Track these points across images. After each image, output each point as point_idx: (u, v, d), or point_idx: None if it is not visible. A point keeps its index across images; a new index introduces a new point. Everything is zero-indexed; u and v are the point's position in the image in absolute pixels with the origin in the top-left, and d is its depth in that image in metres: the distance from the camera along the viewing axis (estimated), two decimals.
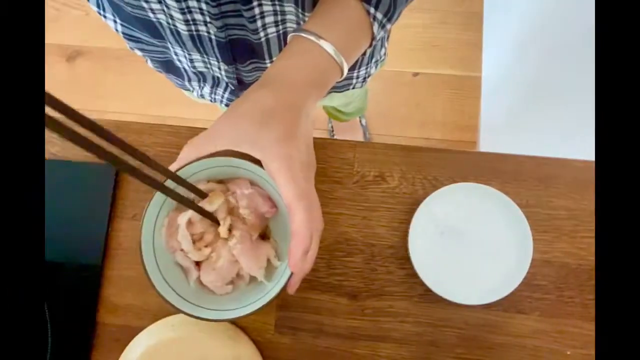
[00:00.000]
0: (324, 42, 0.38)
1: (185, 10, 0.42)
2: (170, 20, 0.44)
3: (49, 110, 0.25)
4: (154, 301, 0.46)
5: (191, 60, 0.52)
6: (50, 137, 0.51)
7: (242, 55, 0.50)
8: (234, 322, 0.46)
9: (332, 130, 1.41)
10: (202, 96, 0.64)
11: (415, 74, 1.47)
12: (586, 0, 0.76)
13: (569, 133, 0.81)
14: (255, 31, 0.45)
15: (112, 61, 1.54)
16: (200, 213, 0.37)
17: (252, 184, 0.40)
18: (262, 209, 0.39)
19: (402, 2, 0.42)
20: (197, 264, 0.39)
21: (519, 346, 0.44)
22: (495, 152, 0.48)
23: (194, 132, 0.51)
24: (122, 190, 0.49)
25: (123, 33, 0.52)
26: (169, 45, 0.51)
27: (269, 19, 0.45)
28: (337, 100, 0.81)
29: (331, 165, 0.49)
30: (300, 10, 0.45)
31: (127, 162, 0.31)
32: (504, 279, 0.43)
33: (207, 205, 0.38)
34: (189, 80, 0.60)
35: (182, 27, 0.45)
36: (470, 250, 0.44)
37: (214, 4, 0.40)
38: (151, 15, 0.44)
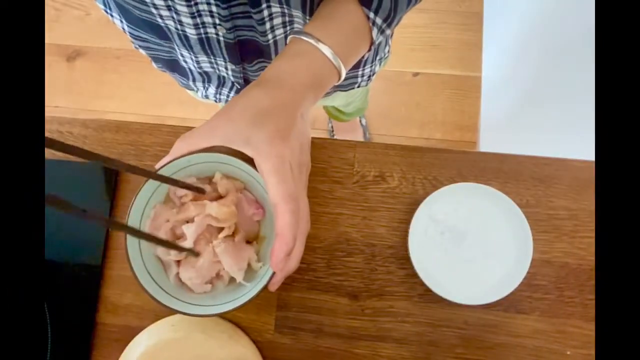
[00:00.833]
0: (322, 46, 0.38)
1: (195, 14, 0.42)
2: (179, 26, 0.44)
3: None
4: None
5: (197, 62, 0.53)
6: (50, 136, 0.51)
7: (250, 55, 0.50)
8: (234, 322, 0.46)
9: (332, 130, 1.41)
10: (206, 97, 0.64)
11: (415, 74, 1.47)
12: (586, 0, 0.76)
13: (569, 133, 0.81)
14: (264, 33, 0.46)
15: (112, 61, 1.54)
16: (187, 188, 0.38)
17: (238, 190, 0.40)
18: (248, 213, 0.40)
19: (402, 8, 0.42)
20: (178, 260, 0.40)
21: (519, 346, 0.44)
22: (495, 152, 0.48)
23: None
24: (122, 190, 0.49)
25: (130, 33, 0.52)
26: (176, 47, 0.51)
27: (277, 21, 0.45)
28: (338, 100, 0.81)
29: (331, 165, 0.49)
30: (307, 16, 0.45)
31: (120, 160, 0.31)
32: (504, 279, 0.43)
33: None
34: (194, 80, 0.60)
35: (190, 32, 0.45)
36: (470, 250, 0.44)
37: (224, 6, 0.41)
38: (159, 20, 0.44)
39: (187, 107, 1.47)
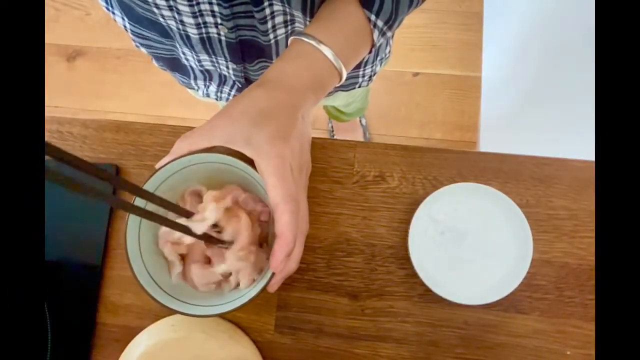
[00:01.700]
0: (323, 47, 0.38)
1: (197, 13, 0.42)
2: (180, 26, 0.44)
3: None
4: None
5: (199, 60, 0.53)
6: (50, 136, 0.51)
7: (251, 55, 0.50)
8: (234, 322, 0.46)
9: (332, 130, 1.41)
10: (207, 95, 0.64)
11: (415, 74, 1.47)
12: (586, 0, 0.76)
13: (569, 133, 0.81)
14: (266, 32, 0.46)
15: (112, 61, 1.54)
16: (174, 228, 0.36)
17: (244, 189, 0.40)
18: (257, 209, 0.39)
19: (404, 10, 0.42)
20: (182, 257, 0.39)
21: (519, 346, 0.44)
22: (495, 152, 0.48)
23: None
24: (122, 190, 0.49)
25: (132, 30, 0.52)
26: (178, 46, 0.51)
27: (279, 20, 0.45)
28: (338, 100, 0.81)
29: (331, 165, 0.49)
30: (308, 18, 0.45)
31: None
32: (504, 279, 0.43)
33: (197, 223, 0.37)
34: (195, 78, 0.60)
35: (192, 32, 0.45)
36: (470, 250, 0.44)
37: (226, 5, 0.41)
38: (161, 20, 0.44)
39: (187, 107, 1.47)
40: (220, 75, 0.57)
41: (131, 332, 0.45)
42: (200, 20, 0.43)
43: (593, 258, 0.45)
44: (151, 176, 0.38)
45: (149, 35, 0.51)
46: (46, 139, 0.51)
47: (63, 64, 1.55)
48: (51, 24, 1.57)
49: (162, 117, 1.48)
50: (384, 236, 0.47)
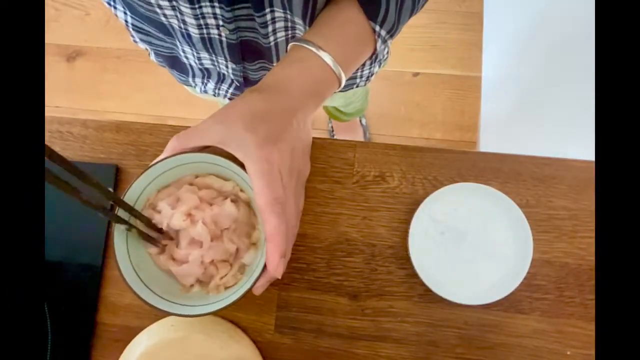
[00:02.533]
0: (323, 53, 0.38)
1: (199, 15, 0.42)
2: (182, 25, 0.44)
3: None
4: None
5: (199, 58, 0.53)
6: (50, 136, 0.51)
7: (251, 56, 0.51)
8: (234, 322, 0.46)
9: (332, 130, 1.41)
10: (205, 92, 0.64)
11: (415, 74, 1.47)
12: (586, 0, 0.76)
13: (569, 133, 0.81)
14: (266, 35, 0.46)
15: (112, 61, 1.54)
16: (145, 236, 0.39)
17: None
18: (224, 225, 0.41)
19: (405, 19, 0.42)
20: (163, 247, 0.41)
21: (519, 346, 0.44)
22: (495, 152, 0.48)
23: None
24: (122, 190, 0.49)
25: (133, 25, 0.52)
26: (178, 44, 0.51)
27: (280, 25, 0.45)
28: (337, 100, 0.81)
29: (331, 165, 0.49)
30: (307, 25, 0.45)
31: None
32: (504, 279, 0.43)
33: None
34: (193, 76, 0.61)
35: (193, 31, 0.45)
36: (470, 250, 0.44)
37: (228, 8, 0.41)
38: (163, 19, 0.44)
39: (187, 107, 1.47)
40: (219, 73, 0.57)
41: (131, 332, 0.45)
42: (202, 21, 0.43)
43: (593, 258, 0.45)
44: (141, 174, 0.38)
45: (150, 30, 0.51)
46: (46, 139, 0.51)
47: (63, 64, 1.55)
48: (51, 24, 1.57)
49: (162, 117, 1.48)
50: (384, 236, 0.47)
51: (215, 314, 0.38)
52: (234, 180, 0.41)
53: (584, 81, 0.72)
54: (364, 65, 0.61)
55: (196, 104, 0.77)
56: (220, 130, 0.36)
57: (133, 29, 0.53)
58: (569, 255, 0.45)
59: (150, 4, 0.42)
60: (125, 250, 0.38)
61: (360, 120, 1.40)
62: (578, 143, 0.75)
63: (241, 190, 0.41)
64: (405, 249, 0.46)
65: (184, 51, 0.53)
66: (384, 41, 0.42)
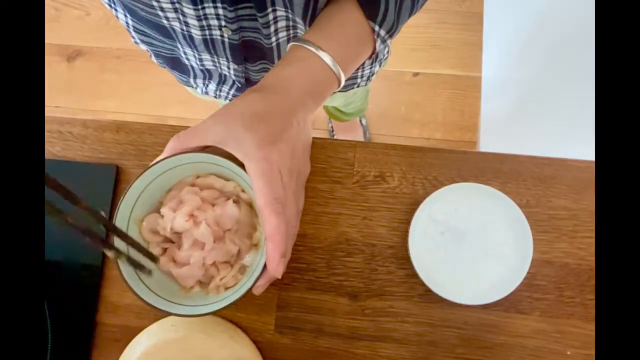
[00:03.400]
0: (322, 53, 0.38)
1: (202, 16, 0.42)
2: (184, 27, 0.44)
3: None
4: None
5: (200, 59, 0.53)
6: (50, 136, 0.51)
7: (253, 56, 0.51)
8: (234, 322, 0.46)
9: (332, 130, 1.41)
10: (206, 93, 0.64)
11: (415, 74, 1.47)
12: (586, 0, 0.76)
13: (569, 133, 0.81)
14: (268, 36, 0.46)
15: (112, 61, 1.54)
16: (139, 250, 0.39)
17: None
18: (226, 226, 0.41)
19: (404, 19, 0.43)
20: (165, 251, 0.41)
21: (519, 346, 0.44)
22: (495, 152, 0.48)
23: None
24: (122, 190, 0.49)
25: (134, 27, 0.52)
26: (179, 46, 0.51)
27: (282, 24, 0.45)
28: (338, 100, 0.81)
29: (331, 165, 0.49)
30: (308, 25, 0.45)
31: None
32: (504, 279, 0.43)
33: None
34: (195, 77, 0.61)
35: (196, 33, 0.45)
36: (470, 250, 0.44)
37: (231, 8, 0.41)
38: (165, 22, 0.44)
39: (188, 107, 1.47)
40: (220, 74, 0.57)
41: (131, 332, 0.45)
42: (204, 22, 0.43)
43: (593, 258, 0.45)
44: (141, 174, 0.38)
45: (151, 33, 0.51)
46: (46, 139, 0.51)
47: (63, 64, 1.55)
48: (51, 24, 1.57)
49: (162, 117, 1.48)
50: (384, 236, 0.47)
51: (215, 314, 0.38)
52: (234, 180, 0.41)
53: (584, 81, 0.72)
54: (364, 65, 0.61)
55: (196, 104, 0.77)
56: (220, 130, 0.36)
57: (134, 31, 0.53)
58: (569, 255, 0.45)
59: (152, 7, 0.42)
60: (125, 250, 0.38)
61: (360, 120, 1.40)
62: (578, 143, 0.75)
63: (242, 191, 0.41)
64: (405, 249, 0.46)
65: (185, 53, 0.53)
66: (383, 41, 0.42)
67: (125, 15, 0.51)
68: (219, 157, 0.37)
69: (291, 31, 0.47)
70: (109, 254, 0.35)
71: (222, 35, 0.45)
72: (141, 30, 0.52)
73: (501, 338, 0.44)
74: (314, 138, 0.46)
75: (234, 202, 0.40)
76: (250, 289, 0.36)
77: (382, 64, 0.67)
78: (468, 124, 1.42)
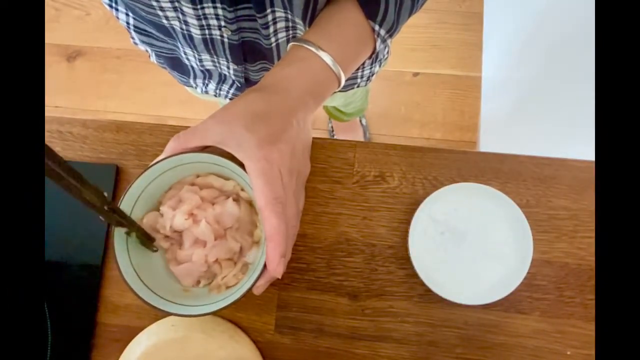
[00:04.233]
0: (322, 53, 0.38)
1: (201, 16, 0.42)
2: (184, 26, 0.44)
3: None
4: None
5: (200, 60, 0.53)
6: (50, 136, 0.51)
7: (253, 56, 0.51)
8: (234, 322, 0.46)
9: (332, 130, 1.41)
10: (206, 92, 0.64)
11: (415, 74, 1.47)
12: (586, 0, 0.76)
13: (569, 133, 0.81)
14: (267, 36, 0.46)
15: (112, 61, 1.54)
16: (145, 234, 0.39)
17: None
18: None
19: (404, 18, 0.43)
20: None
21: (519, 346, 0.44)
22: (495, 152, 0.48)
23: None
24: (122, 190, 0.49)
25: (134, 26, 0.52)
26: (179, 45, 0.51)
27: (281, 25, 0.45)
28: (337, 100, 0.81)
29: (331, 165, 0.49)
30: (307, 26, 0.45)
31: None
32: (504, 279, 0.43)
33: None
34: (195, 77, 0.61)
35: (195, 32, 0.45)
36: (470, 250, 0.44)
37: (230, 9, 0.41)
38: (165, 21, 0.44)
39: (188, 107, 1.46)
40: (220, 74, 0.57)
41: (131, 332, 0.45)
42: (204, 22, 0.43)
43: (593, 258, 0.45)
44: (141, 174, 0.38)
45: (152, 32, 0.51)
46: (46, 139, 0.51)
47: (63, 64, 1.55)
48: (51, 24, 1.57)
49: (162, 117, 1.48)
50: (384, 236, 0.47)
51: (215, 314, 0.38)
52: (234, 179, 0.41)
53: (584, 81, 0.72)
54: (364, 65, 0.61)
55: (196, 104, 0.77)
56: (220, 131, 0.36)
57: (134, 31, 0.53)
58: (569, 255, 0.45)
59: (151, 6, 0.42)
60: (125, 250, 0.38)
61: (360, 120, 1.40)
62: (578, 143, 0.75)
63: (242, 190, 0.41)
64: (405, 249, 0.46)
65: (185, 53, 0.53)
66: (384, 40, 0.42)
67: (127, 15, 0.51)
68: (218, 156, 0.37)
69: (290, 32, 0.47)
70: (120, 229, 0.35)
71: (221, 36, 0.45)
72: (142, 30, 0.52)
73: (501, 338, 0.44)
74: (314, 138, 0.46)
75: (234, 200, 0.40)
76: (250, 288, 0.36)
77: (382, 64, 0.67)
78: (468, 124, 1.42)
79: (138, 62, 1.53)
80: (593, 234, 0.46)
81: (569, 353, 0.44)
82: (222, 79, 0.59)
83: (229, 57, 0.50)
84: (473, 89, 1.43)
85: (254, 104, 0.36)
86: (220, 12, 0.41)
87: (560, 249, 0.46)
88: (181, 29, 0.45)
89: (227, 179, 0.41)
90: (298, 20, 0.45)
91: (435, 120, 1.43)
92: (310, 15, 0.44)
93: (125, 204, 0.38)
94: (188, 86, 0.66)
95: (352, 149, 0.49)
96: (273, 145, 0.35)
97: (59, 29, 1.57)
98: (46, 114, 0.46)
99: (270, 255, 0.34)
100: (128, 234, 0.38)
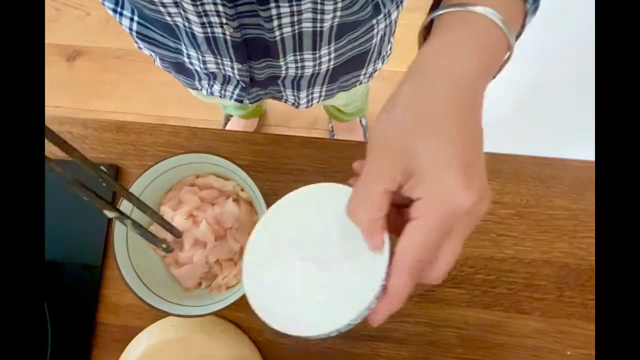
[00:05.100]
0: (487, 10, 0.28)
1: (202, 13, 0.42)
2: (186, 23, 0.44)
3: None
4: None
5: (204, 62, 0.53)
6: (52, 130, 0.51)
7: (257, 53, 0.50)
8: (234, 322, 0.46)
9: (332, 131, 1.41)
10: (211, 93, 0.64)
11: None
12: (586, 0, 0.76)
13: (569, 133, 0.81)
14: (271, 30, 0.45)
15: (112, 61, 1.54)
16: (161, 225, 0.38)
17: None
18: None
19: None
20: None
21: (519, 346, 0.44)
22: (495, 152, 0.48)
23: (194, 132, 0.51)
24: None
25: (137, 32, 0.52)
26: (183, 47, 0.51)
27: (285, 20, 0.45)
28: (338, 99, 0.81)
29: (331, 165, 0.49)
30: (318, 15, 0.44)
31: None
32: (363, 284, 0.29)
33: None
34: (199, 80, 0.60)
35: (198, 30, 0.45)
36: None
37: (230, 5, 0.40)
38: (168, 18, 0.44)
39: (188, 107, 1.46)
40: (224, 75, 0.57)
41: (131, 332, 0.45)
42: (205, 19, 0.43)
43: (593, 258, 0.45)
44: (142, 174, 0.38)
45: (155, 36, 0.51)
46: (46, 139, 0.51)
47: (63, 64, 1.55)
48: (51, 24, 1.57)
49: (162, 117, 1.48)
50: None
51: (215, 314, 0.38)
52: (234, 179, 0.41)
53: (584, 81, 0.72)
54: (368, 62, 0.61)
55: (197, 104, 0.77)
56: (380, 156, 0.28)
57: (137, 37, 0.52)
58: (569, 255, 0.45)
59: (153, 2, 0.41)
60: (125, 250, 0.38)
61: (360, 121, 1.40)
62: (578, 143, 0.75)
63: (242, 190, 0.41)
64: None
65: (189, 56, 0.53)
66: (534, 11, 0.33)
67: (131, 20, 0.51)
68: (218, 157, 0.38)
69: (296, 26, 0.47)
70: (111, 215, 0.32)
71: (224, 33, 0.45)
72: (145, 36, 0.51)
73: (501, 338, 0.44)
74: (314, 138, 0.46)
75: (234, 200, 0.40)
76: None
77: (385, 60, 0.68)
78: None
79: (138, 62, 1.52)
80: (593, 234, 0.46)
81: (569, 353, 0.44)
82: (226, 80, 0.59)
83: (232, 55, 0.49)
84: None
85: (413, 108, 0.28)
86: (220, 8, 0.41)
87: (560, 249, 0.46)
88: (184, 26, 0.45)
89: (227, 179, 0.41)
90: (306, 7, 0.41)
91: None
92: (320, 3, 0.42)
93: (125, 205, 0.38)
94: (193, 88, 0.66)
95: (352, 149, 0.49)
96: (467, 187, 0.25)
97: (59, 29, 1.57)
98: (46, 114, 0.46)
99: (381, 311, 0.28)
100: (121, 220, 0.34)
